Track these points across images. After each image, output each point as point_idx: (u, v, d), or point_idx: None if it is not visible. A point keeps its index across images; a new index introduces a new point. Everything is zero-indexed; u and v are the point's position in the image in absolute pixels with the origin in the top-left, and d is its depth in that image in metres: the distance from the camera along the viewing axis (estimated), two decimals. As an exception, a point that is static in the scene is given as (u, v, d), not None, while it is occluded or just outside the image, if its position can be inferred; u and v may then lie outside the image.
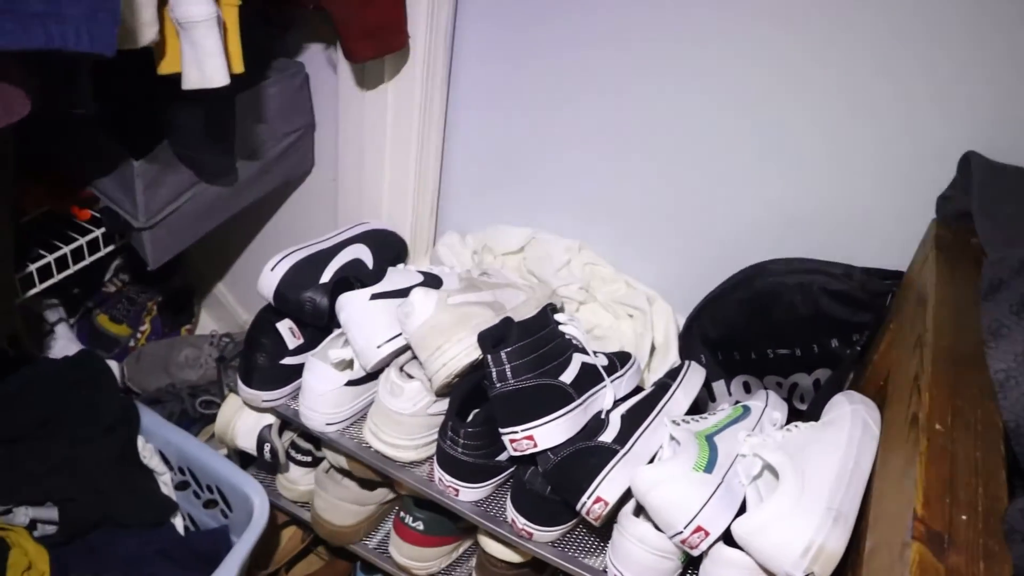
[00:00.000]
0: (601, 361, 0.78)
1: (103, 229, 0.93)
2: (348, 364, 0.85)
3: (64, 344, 1.16)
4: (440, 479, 0.79)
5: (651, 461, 0.72)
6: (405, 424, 0.80)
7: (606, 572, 0.73)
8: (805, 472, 0.64)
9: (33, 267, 0.89)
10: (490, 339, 0.71)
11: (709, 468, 0.67)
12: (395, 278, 0.85)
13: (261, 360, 0.86)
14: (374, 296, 0.81)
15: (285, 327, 0.87)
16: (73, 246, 0.92)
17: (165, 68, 0.69)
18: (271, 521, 0.88)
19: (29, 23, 0.51)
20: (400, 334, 0.79)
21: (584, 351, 0.77)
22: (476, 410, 0.79)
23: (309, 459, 0.98)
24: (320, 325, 0.87)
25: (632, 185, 0.95)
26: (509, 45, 0.94)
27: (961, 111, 0.74)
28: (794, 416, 0.83)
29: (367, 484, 0.93)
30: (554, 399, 0.71)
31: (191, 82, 0.67)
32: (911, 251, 0.79)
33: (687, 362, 0.86)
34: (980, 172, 0.70)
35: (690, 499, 0.64)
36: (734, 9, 0.79)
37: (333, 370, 0.83)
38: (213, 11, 0.64)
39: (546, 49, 0.91)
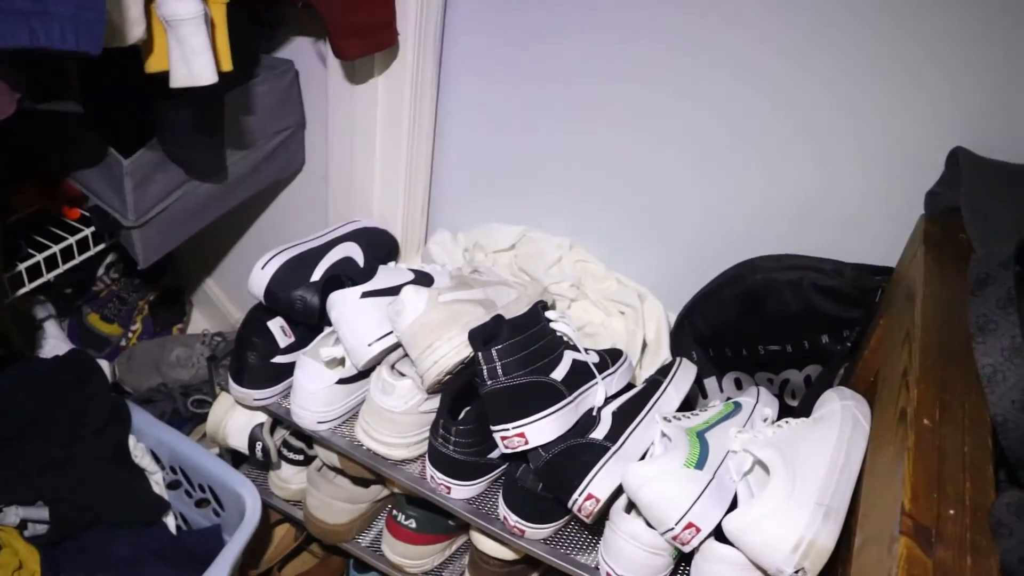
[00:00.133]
0: (592, 358, 0.78)
1: (93, 228, 0.93)
2: (339, 362, 0.85)
3: (55, 344, 1.15)
4: (432, 477, 0.79)
5: (643, 458, 0.72)
6: (397, 422, 0.80)
7: (598, 569, 0.73)
8: (796, 468, 0.64)
9: (22, 266, 0.88)
10: (481, 337, 0.71)
11: (700, 464, 0.67)
12: (386, 276, 0.85)
13: (252, 359, 0.86)
14: (365, 294, 0.81)
15: (276, 325, 0.87)
16: (62, 245, 0.91)
17: (153, 66, 0.69)
18: (263, 520, 0.88)
19: (13, 21, 0.51)
20: (391, 332, 0.79)
21: (575, 348, 0.77)
22: (467, 408, 0.79)
23: (301, 458, 0.98)
24: (311, 323, 0.86)
25: (623, 183, 0.95)
26: (499, 44, 0.93)
27: (949, 107, 0.75)
28: (786, 412, 0.83)
29: (359, 482, 0.93)
30: (545, 396, 0.71)
31: (179, 80, 0.66)
32: (900, 247, 0.79)
33: (678, 359, 0.86)
34: (968, 168, 0.71)
35: (681, 496, 0.64)
36: (724, 10, 0.79)
37: (324, 368, 0.83)
38: (200, 9, 0.64)
39: (537, 46, 0.91)
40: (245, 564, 1.04)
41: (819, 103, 0.80)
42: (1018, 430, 0.47)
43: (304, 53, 1.02)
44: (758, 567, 0.62)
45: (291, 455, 0.98)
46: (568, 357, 0.75)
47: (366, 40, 0.86)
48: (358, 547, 0.97)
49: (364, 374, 0.84)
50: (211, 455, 0.93)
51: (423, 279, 0.87)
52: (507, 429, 0.70)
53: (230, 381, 0.88)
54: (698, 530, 0.64)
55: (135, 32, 0.64)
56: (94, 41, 0.53)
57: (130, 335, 1.32)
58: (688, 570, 0.70)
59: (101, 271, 1.32)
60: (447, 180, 1.07)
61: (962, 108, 0.74)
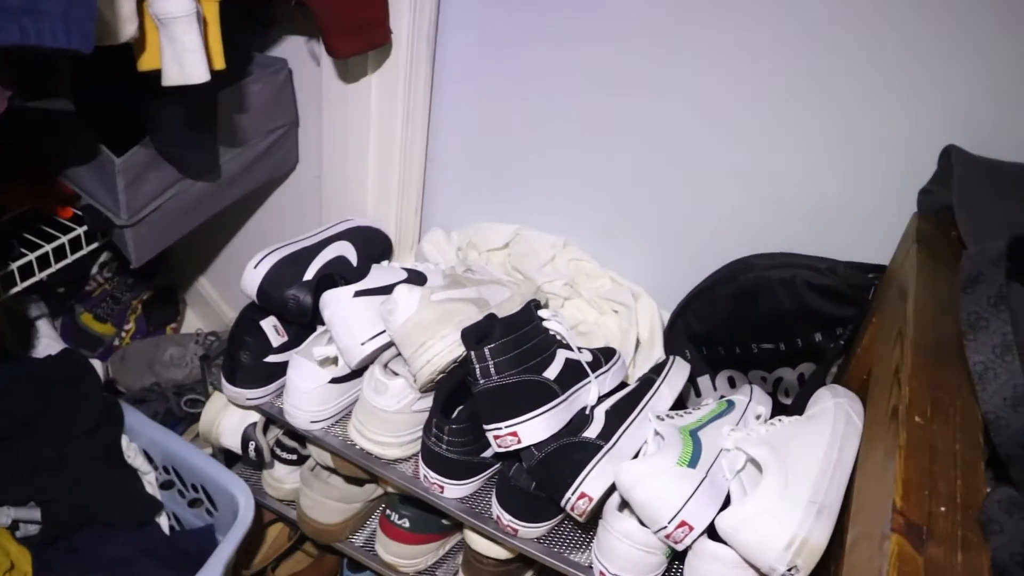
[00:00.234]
0: (585, 357, 0.78)
1: (85, 227, 0.93)
2: (332, 361, 0.84)
3: (47, 343, 1.15)
4: (425, 476, 0.79)
5: (636, 456, 0.72)
6: (390, 421, 0.80)
7: (591, 568, 0.73)
8: (788, 466, 0.64)
9: (14, 265, 0.88)
10: (474, 335, 0.71)
11: (693, 463, 0.67)
12: (379, 275, 0.85)
13: (245, 358, 0.86)
14: (358, 293, 0.81)
15: (269, 325, 0.87)
16: (55, 244, 0.91)
17: (145, 64, 0.68)
18: (257, 519, 0.88)
19: (3, 19, 0.50)
20: (384, 331, 0.79)
21: (568, 347, 0.77)
22: (460, 407, 0.79)
23: (294, 457, 0.98)
24: (304, 322, 0.86)
25: (617, 181, 0.95)
26: (493, 43, 0.93)
27: (941, 105, 0.75)
28: (779, 410, 0.84)
29: (353, 482, 0.93)
30: (538, 395, 0.71)
31: (171, 78, 0.66)
32: (894, 245, 0.79)
33: (672, 357, 0.86)
34: (960, 166, 0.71)
35: (674, 494, 0.64)
36: (715, 9, 0.79)
37: (317, 368, 0.83)
38: (192, 7, 0.64)
39: (531, 45, 0.91)
40: (238, 564, 1.04)
41: (812, 102, 0.80)
42: (1009, 427, 0.47)
43: (298, 52, 1.02)
44: (751, 565, 0.62)
45: (284, 454, 0.98)
46: (561, 356, 0.75)
47: (359, 38, 0.85)
48: (352, 547, 0.96)
49: (357, 373, 0.84)
50: (204, 455, 0.92)
51: (416, 278, 0.87)
52: (500, 428, 0.70)
53: (223, 380, 0.88)
54: (691, 528, 0.64)
55: (127, 30, 0.63)
56: (85, 39, 0.53)
57: (123, 334, 1.32)
58: (681, 568, 0.70)
59: (95, 270, 1.32)
60: (441, 179, 1.07)
61: (954, 106, 0.74)
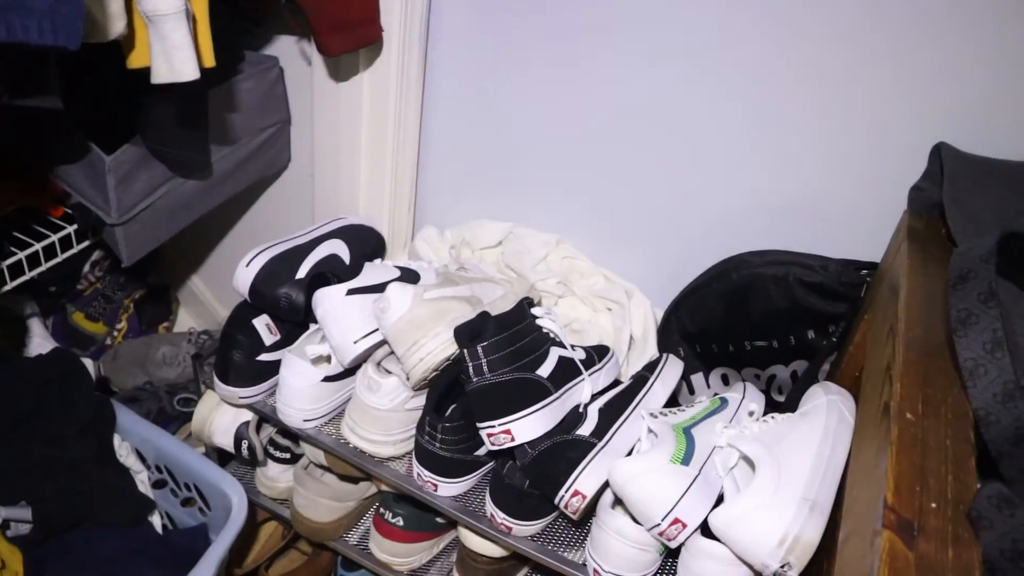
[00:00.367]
0: (579, 355, 0.78)
1: (75, 226, 0.92)
2: (325, 360, 0.84)
3: (38, 343, 1.14)
4: (419, 474, 0.79)
5: (629, 454, 0.72)
6: (383, 420, 0.80)
7: (585, 566, 0.74)
8: (781, 463, 0.64)
9: (4, 264, 0.87)
10: (466, 333, 0.71)
11: (686, 460, 0.67)
12: (372, 273, 0.84)
13: (237, 357, 0.85)
14: (351, 291, 0.81)
15: (262, 323, 0.87)
16: (45, 243, 0.90)
17: (134, 62, 0.68)
18: (250, 518, 0.87)
19: (-10, 15, 0.50)
20: (377, 329, 0.79)
21: (562, 345, 0.77)
22: (454, 405, 0.79)
23: (288, 456, 0.97)
24: (296, 321, 0.86)
25: (611, 179, 0.95)
26: (485, 40, 0.93)
27: (932, 104, 0.75)
28: (772, 408, 0.84)
29: (347, 480, 0.93)
30: (531, 393, 0.70)
31: (160, 76, 0.65)
32: (885, 242, 0.79)
33: (665, 355, 0.87)
34: (950, 163, 0.71)
35: (667, 491, 0.64)
36: (707, 10, 0.79)
37: (310, 366, 0.82)
38: (181, 4, 0.63)
39: (524, 43, 0.91)
40: (232, 563, 1.03)
41: (805, 100, 0.80)
42: (999, 424, 0.47)
43: (289, 50, 1.01)
44: (744, 562, 0.62)
45: (277, 453, 0.97)
46: (554, 354, 0.75)
47: (350, 36, 0.85)
48: (346, 545, 0.96)
49: (350, 372, 0.84)
50: (197, 454, 0.92)
51: (409, 276, 0.87)
52: (493, 426, 0.70)
53: (215, 379, 0.88)
54: (684, 526, 0.64)
55: (116, 27, 0.63)
56: (72, 35, 0.53)
57: (115, 334, 1.31)
58: (675, 566, 0.70)
59: (86, 269, 1.31)
60: (434, 177, 1.07)
61: (945, 104, 0.74)
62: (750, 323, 0.86)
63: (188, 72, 0.65)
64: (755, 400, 0.81)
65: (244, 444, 0.93)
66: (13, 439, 0.87)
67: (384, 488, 0.88)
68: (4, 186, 0.90)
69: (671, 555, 0.72)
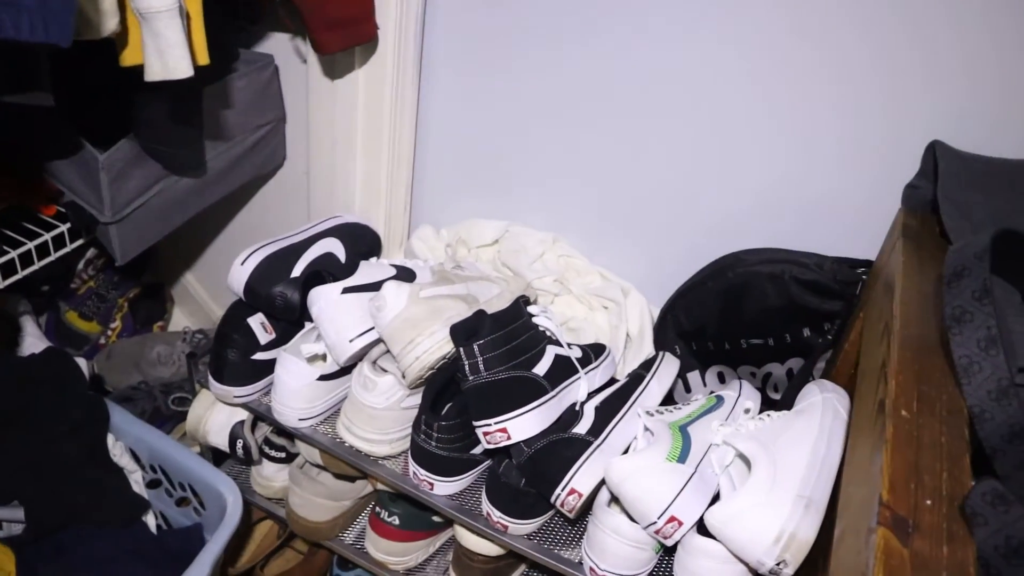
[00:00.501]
0: (575, 353, 0.78)
1: (69, 224, 0.91)
2: (321, 359, 0.84)
3: (32, 342, 1.14)
4: (415, 473, 0.79)
5: (625, 452, 0.72)
6: (379, 418, 0.79)
7: (582, 564, 0.74)
8: (777, 461, 0.64)
9: (-4, 263, 0.87)
10: (463, 332, 0.71)
11: (682, 458, 0.67)
12: (367, 272, 0.84)
13: (232, 356, 0.85)
14: (346, 290, 0.80)
15: (256, 322, 0.86)
16: (38, 242, 0.90)
17: (128, 59, 0.68)
18: (245, 518, 0.87)
19: (-20, 12, 0.49)
20: (373, 328, 0.79)
21: (558, 343, 0.77)
22: (450, 403, 0.79)
23: (283, 455, 0.97)
24: (292, 319, 0.86)
25: (607, 178, 0.95)
26: (481, 36, 0.93)
27: (927, 102, 0.75)
28: (768, 405, 0.84)
29: (342, 479, 0.93)
30: (527, 391, 0.70)
31: (153, 74, 0.65)
32: (880, 240, 0.80)
33: (661, 353, 0.87)
34: (945, 161, 0.71)
35: (663, 489, 0.64)
36: (703, 8, 0.79)
37: (305, 365, 0.82)
38: (175, 1, 0.63)
39: (520, 41, 0.91)
40: (227, 563, 1.03)
41: (799, 98, 0.80)
42: (993, 420, 0.47)
43: (284, 47, 1.01)
44: (740, 560, 0.62)
45: (273, 452, 0.97)
46: (550, 352, 0.75)
47: (345, 34, 0.85)
48: (342, 544, 0.96)
49: (346, 370, 0.84)
50: (191, 453, 0.92)
51: (405, 275, 0.87)
52: (489, 424, 0.70)
53: (210, 378, 0.88)
54: (680, 523, 0.64)
55: (109, 24, 0.63)
56: (63, 32, 0.52)
57: (109, 333, 1.30)
58: (671, 564, 0.70)
59: (80, 267, 1.31)
60: (430, 175, 1.07)
61: (940, 102, 0.75)
62: (746, 321, 0.86)
63: (182, 70, 0.65)
64: (751, 398, 0.81)
65: (239, 443, 0.92)
66: (5, 439, 0.87)
67: (380, 487, 0.87)
68: (-4, 184, 0.90)
69: (667, 553, 0.72)
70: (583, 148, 0.94)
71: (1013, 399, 0.46)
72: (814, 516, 0.60)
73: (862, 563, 0.44)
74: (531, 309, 0.78)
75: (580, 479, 0.69)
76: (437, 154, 1.04)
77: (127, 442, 0.95)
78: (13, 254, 0.88)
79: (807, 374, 0.84)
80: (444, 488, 0.79)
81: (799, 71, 0.79)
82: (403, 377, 0.77)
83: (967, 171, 0.70)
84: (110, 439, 0.94)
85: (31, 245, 0.89)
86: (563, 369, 0.75)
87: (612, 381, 0.82)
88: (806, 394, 0.75)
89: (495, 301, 0.83)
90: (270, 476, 0.99)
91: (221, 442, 0.93)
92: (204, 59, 0.70)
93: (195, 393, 0.95)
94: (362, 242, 1.00)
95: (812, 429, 0.68)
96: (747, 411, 0.78)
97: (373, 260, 0.91)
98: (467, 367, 0.69)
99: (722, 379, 0.92)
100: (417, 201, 1.09)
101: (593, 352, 0.82)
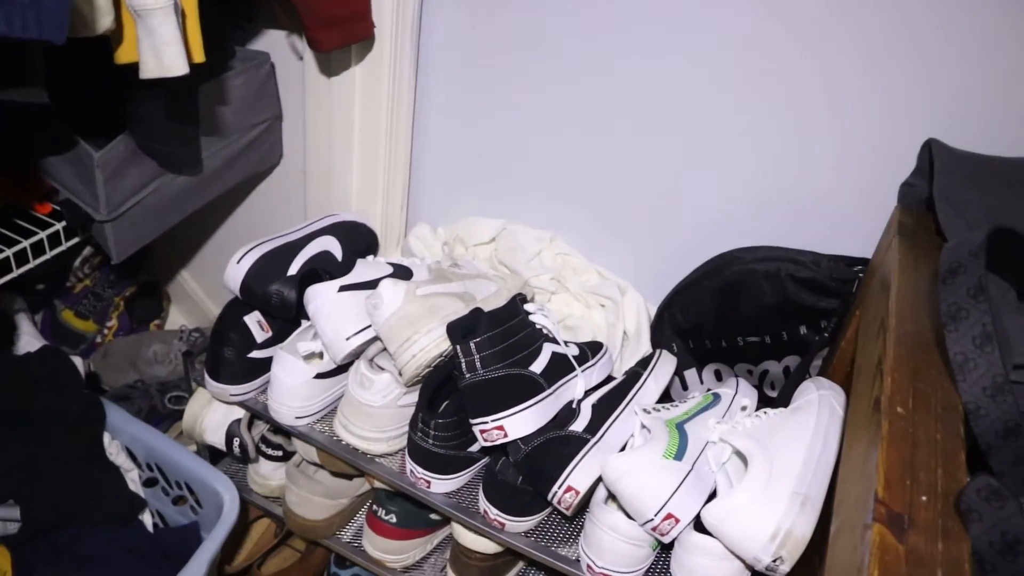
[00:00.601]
0: (572, 351, 0.78)
1: (64, 222, 0.91)
2: (317, 357, 0.84)
3: (27, 340, 1.13)
4: (412, 471, 0.79)
5: (622, 450, 0.72)
6: (376, 416, 0.79)
7: (579, 561, 0.74)
8: (773, 458, 0.64)
9: (-8, 261, 0.87)
10: (460, 330, 0.71)
11: (679, 456, 0.67)
12: (364, 270, 0.84)
13: (228, 354, 0.85)
14: (343, 288, 0.80)
15: (253, 320, 0.86)
16: (33, 240, 0.89)
17: (122, 57, 0.67)
18: (242, 516, 0.87)
19: (-26, 9, 0.49)
20: (369, 326, 0.79)
21: (555, 341, 0.77)
22: (446, 401, 0.79)
23: (280, 453, 0.97)
24: (288, 318, 0.86)
25: (603, 176, 0.95)
26: (477, 34, 0.93)
27: (922, 100, 0.75)
28: (765, 403, 0.84)
29: (340, 478, 0.93)
30: (524, 389, 0.70)
31: (149, 71, 0.65)
32: (876, 238, 0.80)
33: (658, 351, 0.87)
34: (941, 159, 0.71)
35: (660, 487, 0.64)
36: (699, 6, 0.79)
37: (302, 363, 0.82)
38: (170, -2, 0.63)
39: (517, 39, 0.91)
40: (224, 561, 1.03)
41: (796, 97, 0.80)
42: (988, 417, 0.47)
43: (280, 45, 1.01)
44: (737, 556, 0.62)
45: (270, 451, 0.97)
46: (547, 350, 0.75)
47: (342, 32, 0.85)
48: (339, 543, 0.96)
49: (342, 368, 0.84)
50: (188, 452, 0.92)
51: (401, 272, 0.86)
52: (486, 422, 0.70)
53: (206, 377, 0.87)
54: (677, 521, 0.64)
55: (103, 22, 0.62)
56: (57, 29, 0.52)
57: (105, 331, 1.30)
58: (668, 561, 0.70)
59: (76, 265, 1.30)
60: (427, 173, 1.06)
61: (935, 100, 0.75)
62: (742, 319, 0.87)
63: (177, 67, 0.64)
64: (747, 395, 0.81)
65: (236, 442, 0.92)
66: (1, 438, 0.86)
67: (377, 485, 0.87)
68: (-8, 182, 0.90)
69: (664, 550, 0.72)
70: (580, 147, 0.94)
71: (1008, 395, 0.46)
72: (810, 513, 0.61)
73: (858, 559, 0.44)
74: (528, 307, 0.78)
75: (577, 476, 0.69)
76: (434, 152, 1.04)
77: (123, 441, 0.95)
78: (8, 252, 0.87)
79: (803, 371, 0.84)
80: (441, 486, 0.79)
81: (795, 69, 0.79)
82: (400, 375, 0.76)
83: (963, 169, 0.70)
84: (106, 438, 0.94)
85: (26, 243, 0.89)
86: (560, 367, 0.75)
87: (609, 379, 0.82)
88: (802, 391, 0.75)
89: (492, 299, 0.83)
90: (267, 474, 0.99)
91: (218, 440, 0.93)
92: (200, 57, 0.70)
93: (191, 391, 0.95)
94: (359, 240, 1.00)
95: (808, 426, 0.68)
96: (744, 408, 0.78)
97: (370, 258, 0.91)
98: (464, 365, 0.69)
99: (719, 377, 0.93)
100: (414, 199, 1.09)
101: (590, 350, 0.82)
